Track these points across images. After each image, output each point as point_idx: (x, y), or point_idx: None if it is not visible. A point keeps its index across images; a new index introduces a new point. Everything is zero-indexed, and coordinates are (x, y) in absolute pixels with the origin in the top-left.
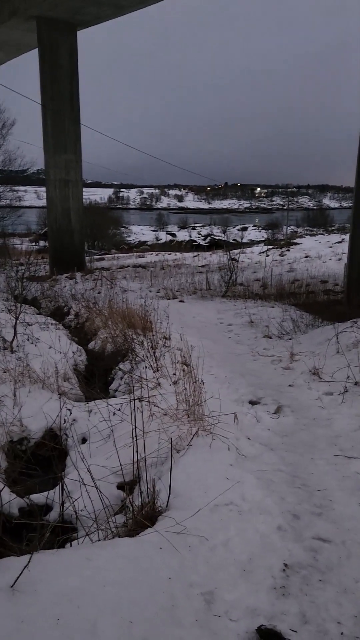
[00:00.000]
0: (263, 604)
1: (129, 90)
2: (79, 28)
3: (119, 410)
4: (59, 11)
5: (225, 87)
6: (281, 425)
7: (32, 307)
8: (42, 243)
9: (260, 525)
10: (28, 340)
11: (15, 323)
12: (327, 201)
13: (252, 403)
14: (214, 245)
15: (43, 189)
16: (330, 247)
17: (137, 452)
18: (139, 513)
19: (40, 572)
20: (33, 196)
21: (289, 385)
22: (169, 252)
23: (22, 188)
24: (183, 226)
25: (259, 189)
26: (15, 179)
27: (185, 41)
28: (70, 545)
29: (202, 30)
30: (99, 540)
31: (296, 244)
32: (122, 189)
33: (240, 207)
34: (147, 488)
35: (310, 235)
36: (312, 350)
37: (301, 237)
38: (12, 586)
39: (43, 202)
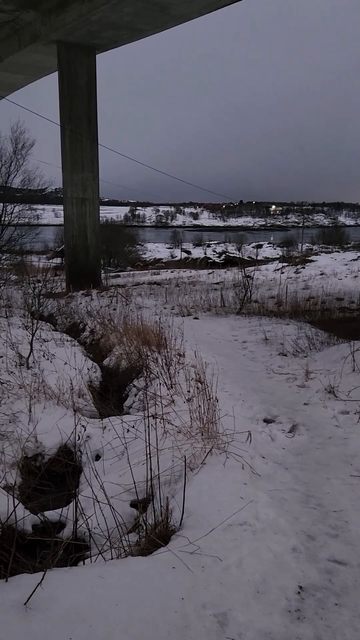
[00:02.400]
0: (277, 626)
1: (146, 110)
2: (97, 51)
3: (133, 427)
4: (77, 35)
5: (241, 106)
6: (296, 443)
7: (48, 324)
8: (58, 260)
9: (274, 546)
10: (44, 356)
11: (32, 339)
12: (342, 219)
13: (267, 421)
14: (229, 262)
15: (61, 207)
16: (346, 264)
17: (150, 469)
18: (152, 532)
19: (53, 590)
20: (51, 214)
21: (304, 404)
22: (184, 269)
23: (40, 207)
24: (198, 243)
25: (274, 206)
26: (34, 198)
27: (200, 63)
28: (84, 563)
29: (218, 52)
30: (111, 558)
31: (311, 261)
32: (138, 207)
33: (255, 224)
34: (161, 506)
35: (326, 252)
36: (328, 368)
37: (316, 254)
38: (25, 603)
39: (60, 220)
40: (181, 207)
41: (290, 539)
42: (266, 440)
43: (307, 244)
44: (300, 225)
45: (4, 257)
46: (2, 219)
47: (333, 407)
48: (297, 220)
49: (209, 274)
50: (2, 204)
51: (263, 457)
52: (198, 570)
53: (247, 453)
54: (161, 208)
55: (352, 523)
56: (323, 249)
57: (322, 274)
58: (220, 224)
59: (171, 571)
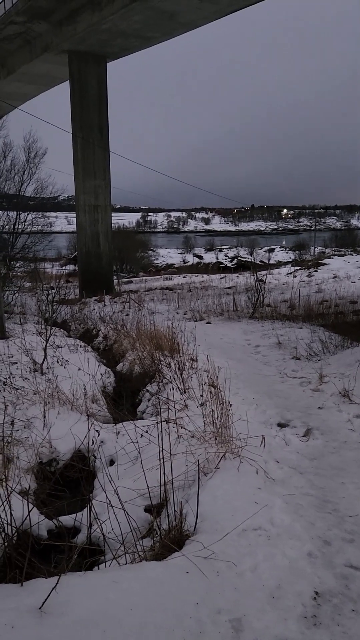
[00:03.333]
0: (293, 633)
1: (157, 116)
2: (108, 60)
3: (147, 432)
4: (88, 44)
5: (252, 110)
6: (310, 448)
7: (61, 330)
8: (72, 267)
9: (289, 551)
10: (58, 362)
11: (46, 345)
12: (355, 221)
13: (281, 425)
14: (241, 266)
15: (73, 214)
16: (359, 267)
17: (164, 474)
18: (166, 537)
19: (67, 595)
20: (64, 222)
21: (318, 408)
22: (196, 274)
23: (53, 214)
24: (210, 248)
25: (285, 210)
26: (47, 205)
27: (211, 68)
28: (98, 568)
29: (227, 57)
30: (126, 563)
31: (324, 264)
32: (149, 213)
33: (267, 228)
34: (175, 511)
35: (339, 255)
36: (342, 372)
37: (329, 257)
38: (40, 608)
39: (73, 228)
40: (193, 213)
41: (305, 544)
42: (280, 444)
43: (319, 247)
44: (313, 228)
45: (18, 265)
46: (16, 227)
47: (348, 411)
48: (309, 224)
49: (221, 278)
50: (15, 212)
51: (277, 462)
52: (212, 575)
53: (261, 457)
54: (173, 214)
55: None
56: (336, 252)
57: (335, 277)
58: (232, 228)
59: (185, 576)
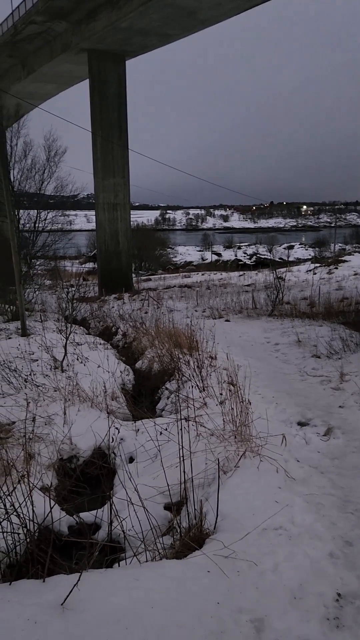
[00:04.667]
0: (315, 634)
1: (176, 113)
2: (127, 58)
3: (166, 429)
4: (107, 43)
5: (271, 106)
6: (331, 447)
7: (81, 327)
8: (91, 265)
9: (311, 551)
10: (77, 359)
11: (66, 343)
12: None
13: (301, 424)
14: (260, 264)
15: (93, 212)
16: None
17: (184, 472)
18: (186, 535)
19: (89, 591)
20: (83, 220)
21: (339, 407)
22: (215, 272)
23: (72, 212)
24: (229, 246)
25: (305, 207)
26: (67, 204)
27: (229, 63)
28: (119, 565)
29: (252, 51)
30: (146, 561)
31: (344, 261)
32: (168, 211)
33: (287, 225)
34: (195, 509)
35: (359, 252)
36: None
37: (349, 254)
38: (62, 604)
39: (92, 226)
40: (211, 210)
41: (327, 545)
42: (301, 443)
43: (339, 244)
44: (333, 225)
45: (38, 263)
46: (36, 225)
47: None
48: (329, 220)
49: (240, 276)
50: (36, 211)
51: (298, 461)
52: (233, 574)
53: (281, 456)
54: (191, 211)
55: None
56: (356, 249)
57: (355, 274)
58: (251, 225)
59: (206, 575)
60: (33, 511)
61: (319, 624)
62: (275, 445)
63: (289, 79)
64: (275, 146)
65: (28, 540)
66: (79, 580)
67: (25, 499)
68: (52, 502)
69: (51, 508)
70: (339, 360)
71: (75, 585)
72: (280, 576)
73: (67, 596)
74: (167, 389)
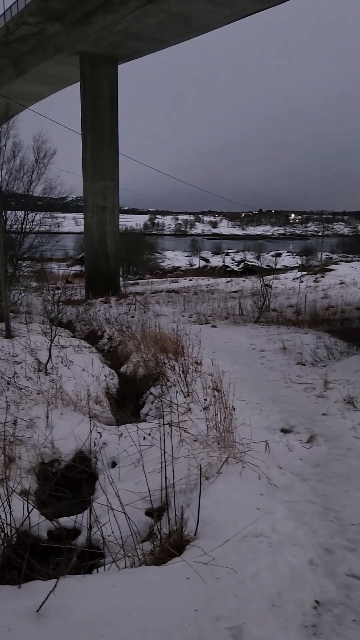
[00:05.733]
0: None
1: (167, 119)
2: (120, 62)
3: (149, 434)
4: (101, 46)
5: (260, 116)
6: (314, 454)
7: (67, 330)
8: (78, 268)
9: (291, 559)
10: (62, 362)
11: (50, 346)
12: None
13: (284, 431)
14: (248, 271)
15: (81, 215)
16: None
17: (166, 478)
18: (166, 541)
19: (66, 598)
20: (71, 222)
21: (323, 414)
22: (203, 278)
23: (61, 215)
24: (217, 252)
25: (293, 215)
26: (55, 206)
27: (220, 73)
28: (97, 571)
29: (237, 63)
30: (125, 567)
31: (331, 270)
32: (157, 216)
33: (275, 233)
34: (176, 515)
35: (346, 261)
36: (347, 379)
37: (336, 263)
38: (37, 611)
39: (81, 229)
40: (200, 216)
41: (307, 552)
42: (283, 450)
43: (326, 253)
44: (320, 234)
45: (24, 265)
46: (24, 226)
47: (352, 418)
48: (316, 229)
49: (228, 282)
50: (23, 212)
51: (280, 468)
52: (212, 581)
53: (264, 463)
54: (180, 216)
55: None
56: (343, 258)
57: (341, 283)
58: (239, 232)
59: (185, 582)
60: (11, 515)
61: (297, 631)
62: (258, 452)
63: (285, 89)
64: (266, 155)
65: (5, 545)
66: (55, 586)
67: (3, 503)
68: (31, 507)
69: (29, 512)
70: (323, 368)
71: (51, 591)
72: (260, 583)
73: (43, 602)
74: (151, 393)
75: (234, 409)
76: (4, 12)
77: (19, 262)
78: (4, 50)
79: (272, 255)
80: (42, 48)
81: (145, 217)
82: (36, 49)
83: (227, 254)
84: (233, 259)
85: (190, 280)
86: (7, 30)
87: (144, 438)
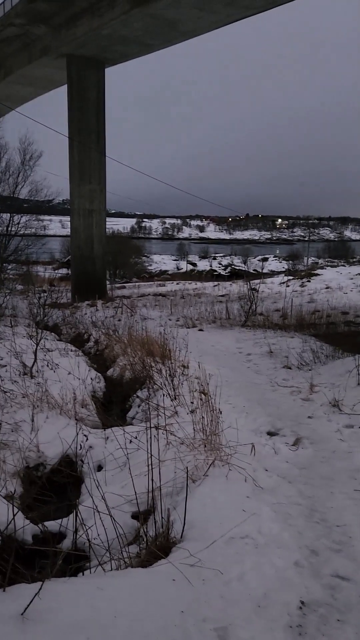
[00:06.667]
0: None
1: (154, 123)
2: (107, 65)
3: (136, 438)
4: (87, 49)
5: (247, 122)
6: (300, 457)
7: (53, 334)
8: (65, 271)
9: (277, 560)
10: (48, 365)
11: (36, 349)
12: (348, 233)
13: (270, 434)
14: (235, 275)
15: (68, 218)
16: (352, 278)
17: (152, 481)
18: (152, 543)
19: (50, 601)
20: (58, 225)
21: (308, 417)
22: (190, 282)
23: (47, 217)
24: (204, 256)
25: (280, 220)
26: (41, 208)
27: (208, 78)
28: (83, 574)
29: (228, 66)
30: (111, 570)
31: (317, 275)
32: (144, 219)
33: (261, 237)
34: (162, 518)
35: (331, 266)
36: (332, 382)
37: (322, 268)
38: (22, 614)
39: (67, 231)
40: (187, 220)
41: (293, 554)
42: (270, 453)
43: (312, 258)
44: (306, 239)
45: (10, 267)
46: (9, 229)
47: (337, 420)
48: (303, 234)
49: (215, 286)
50: (9, 214)
51: (266, 470)
52: (199, 583)
53: (250, 466)
54: (167, 220)
55: (356, 538)
56: (329, 263)
57: (327, 288)
58: (227, 236)
59: (171, 584)
60: None
61: (282, 632)
62: (244, 455)
63: (271, 97)
64: (253, 160)
65: None
66: (40, 589)
67: None
68: (16, 510)
69: (14, 516)
70: (309, 371)
71: (36, 594)
72: (246, 585)
73: (28, 605)
74: (138, 397)
75: (221, 412)
76: None
77: (4, 264)
78: None
79: (258, 260)
80: (28, 50)
81: (133, 221)
82: (22, 51)
83: (214, 258)
84: (220, 263)
85: (177, 284)
86: None
87: (131, 441)
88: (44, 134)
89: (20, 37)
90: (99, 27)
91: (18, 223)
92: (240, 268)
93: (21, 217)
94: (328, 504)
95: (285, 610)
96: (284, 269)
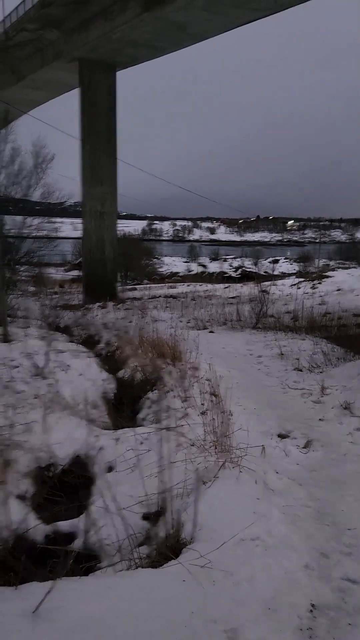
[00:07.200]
0: None
1: (166, 125)
2: (117, 68)
3: (146, 439)
4: (99, 53)
5: (259, 123)
6: (310, 460)
7: (64, 335)
8: (76, 272)
9: (287, 562)
10: (59, 367)
11: (48, 350)
12: None
13: (281, 436)
14: (245, 277)
15: (79, 220)
16: None
17: (163, 482)
18: (163, 544)
19: (61, 599)
20: (69, 227)
21: (319, 420)
22: (200, 283)
23: (59, 220)
24: (215, 258)
25: (290, 222)
26: (53, 211)
27: (219, 79)
28: (93, 574)
29: (239, 68)
30: (121, 570)
31: (328, 277)
32: (155, 221)
33: (272, 239)
34: (172, 519)
35: (343, 268)
36: (344, 385)
37: (333, 270)
38: (33, 612)
39: (79, 233)
40: (198, 222)
41: (302, 556)
42: (280, 455)
43: (323, 260)
44: (317, 241)
45: (22, 269)
46: (22, 231)
47: (349, 423)
48: (314, 236)
49: (225, 288)
50: (22, 217)
51: (277, 473)
52: (208, 584)
53: (260, 468)
54: (178, 222)
55: None
56: (340, 265)
57: (339, 290)
58: (237, 238)
59: (181, 584)
60: (9, 518)
61: (292, 634)
62: (254, 457)
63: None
64: (264, 161)
65: (2, 547)
66: (52, 588)
67: (1, 506)
68: (28, 510)
69: (26, 516)
70: (320, 374)
71: (48, 592)
72: (256, 587)
73: (40, 603)
74: (148, 398)
75: (231, 414)
76: (4, 19)
77: (17, 266)
78: (3, 56)
79: (269, 262)
80: (41, 54)
81: (144, 223)
82: (35, 55)
83: (225, 260)
84: (231, 265)
85: (188, 285)
86: (7, 37)
87: (141, 443)
88: (56, 137)
89: (32, 42)
90: (110, 31)
91: (30, 225)
92: (251, 270)
93: (33, 219)
94: (338, 507)
95: (295, 612)
96: (294, 271)
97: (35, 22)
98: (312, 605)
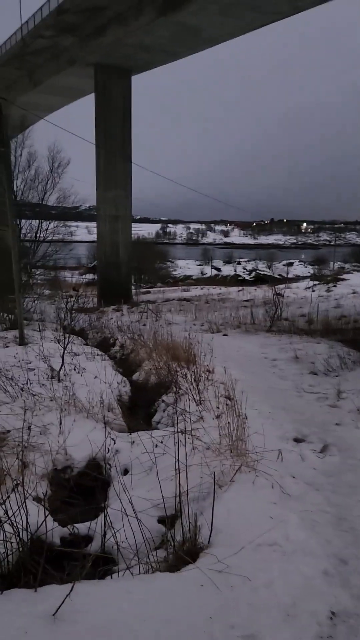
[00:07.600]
0: None
1: (179, 129)
2: (133, 73)
3: (162, 442)
4: (113, 58)
5: (274, 126)
6: (327, 464)
7: (79, 338)
8: (91, 276)
9: (305, 568)
10: (75, 369)
11: (63, 353)
12: None
13: (297, 440)
14: (259, 280)
15: (94, 224)
16: None
17: (179, 485)
18: (180, 548)
19: (80, 602)
20: (84, 231)
21: (336, 424)
22: (214, 286)
23: (74, 224)
24: (228, 261)
25: (305, 224)
26: (69, 215)
27: (234, 81)
28: (111, 577)
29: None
30: (139, 573)
31: (343, 279)
32: (169, 225)
33: (286, 242)
34: (189, 523)
35: (358, 271)
36: None
37: (348, 273)
38: (53, 614)
39: (93, 237)
40: (212, 225)
41: (321, 562)
42: (296, 459)
43: (338, 263)
44: (332, 243)
45: (38, 272)
46: (38, 235)
47: None
48: (328, 239)
49: (239, 291)
50: (37, 221)
51: (293, 477)
52: (227, 589)
53: (277, 472)
54: (192, 225)
55: None
56: (355, 268)
57: (354, 293)
58: (251, 241)
59: (199, 589)
60: (27, 520)
61: None
62: (271, 461)
63: (299, 101)
64: (279, 165)
65: (21, 549)
66: (71, 590)
67: (19, 508)
68: (46, 512)
69: (45, 518)
70: (336, 377)
71: (67, 595)
72: (274, 592)
73: (59, 606)
74: (163, 401)
75: (246, 418)
76: (20, 26)
77: (32, 270)
78: (20, 63)
79: (283, 265)
80: (56, 60)
81: (157, 226)
82: (51, 61)
83: (239, 263)
84: (244, 268)
85: (201, 289)
86: (24, 44)
87: (156, 446)
88: (71, 142)
89: (48, 49)
90: (125, 36)
91: (46, 229)
92: (264, 273)
93: (49, 223)
94: (356, 513)
95: (314, 619)
96: (309, 274)
97: (51, 29)
98: (332, 613)
